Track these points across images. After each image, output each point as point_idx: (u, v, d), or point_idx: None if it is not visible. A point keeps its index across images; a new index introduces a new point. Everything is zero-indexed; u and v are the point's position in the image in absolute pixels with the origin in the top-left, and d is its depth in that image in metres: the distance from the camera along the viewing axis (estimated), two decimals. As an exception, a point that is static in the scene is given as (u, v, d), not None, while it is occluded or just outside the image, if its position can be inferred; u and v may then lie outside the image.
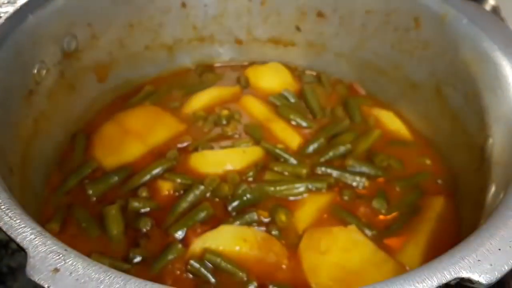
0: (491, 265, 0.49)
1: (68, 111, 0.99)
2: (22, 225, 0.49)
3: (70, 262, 0.44)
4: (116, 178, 0.90)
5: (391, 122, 1.07)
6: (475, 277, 0.48)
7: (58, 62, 0.92)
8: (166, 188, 0.89)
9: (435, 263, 0.49)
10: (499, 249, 0.50)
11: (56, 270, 0.43)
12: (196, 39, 1.20)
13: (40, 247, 0.46)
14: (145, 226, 0.83)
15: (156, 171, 0.92)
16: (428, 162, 0.99)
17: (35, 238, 0.47)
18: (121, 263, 0.77)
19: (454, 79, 0.94)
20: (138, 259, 0.78)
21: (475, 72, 0.87)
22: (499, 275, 0.48)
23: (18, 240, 0.48)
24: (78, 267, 0.44)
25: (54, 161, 0.95)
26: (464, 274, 0.48)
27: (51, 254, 0.45)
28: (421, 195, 0.91)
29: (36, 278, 0.43)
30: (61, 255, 0.45)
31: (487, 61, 0.83)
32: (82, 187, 0.89)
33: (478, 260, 0.49)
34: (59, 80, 0.94)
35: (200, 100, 1.10)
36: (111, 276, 0.43)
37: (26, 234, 0.48)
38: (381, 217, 0.87)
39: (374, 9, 1.06)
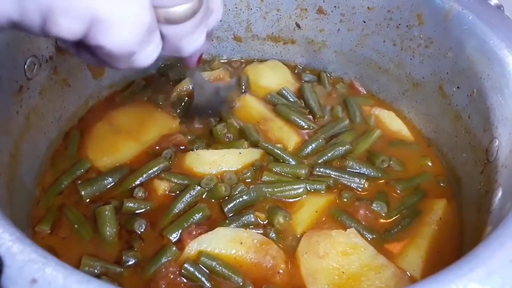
0: (502, 279, 0.45)
1: (62, 108, 0.97)
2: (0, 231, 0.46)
3: (49, 272, 0.41)
4: (110, 180, 0.88)
5: (392, 122, 1.05)
6: None
7: (51, 57, 0.89)
8: (162, 188, 0.87)
9: (442, 275, 0.46)
10: (510, 261, 0.46)
11: (34, 281, 0.40)
12: (194, 35, 1.18)
13: (17, 255, 0.43)
14: (139, 227, 0.81)
15: (152, 170, 0.89)
16: (429, 163, 0.97)
17: (13, 245, 0.43)
18: (114, 266, 0.75)
19: (458, 77, 0.91)
20: (131, 262, 0.76)
21: (480, 70, 0.84)
22: (510, 291, 0.45)
23: (-7, 247, 0.44)
24: (58, 277, 0.41)
25: (47, 159, 0.92)
26: (473, 288, 0.44)
27: (29, 263, 0.42)
28: (422, 197, 0.89)
29: (12, 290, 0.40)
30: (40, 264, 0.42)
31: (493, 59, 0.81)
32: (75, 187, 0.87)
33: (488, 273, 0.45)
34: (52, 75, 0.91)
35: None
36: (93, 287, 0.40)
37: (4, 240, 0.44)
38: (382, 220, 0.85)
39: (376, 5, 1.03)
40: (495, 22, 0.83)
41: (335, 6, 1.09)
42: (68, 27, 0.47)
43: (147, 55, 0.54)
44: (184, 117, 1.02)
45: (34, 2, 0.44)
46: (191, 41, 0.58)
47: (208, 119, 1.02)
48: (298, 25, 1.15)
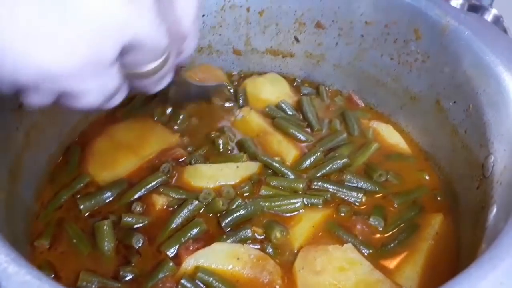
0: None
1: (62, 123, 0.98)
2: (-4, 252, 0.47)
3: (44, 294, 0.42)
4: (109, 194, 0.88)
5: (390, 135, 1.06)
6: None
7: (51, 74, 0.90)
8: (160, 202, 0.87)
9: (432, 298, 0.47)
10: (501, 283, 0.47)
11: (29, 303, 0.41)
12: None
13: (13, 277, 0.43)
14: (137, 242, 0.81)
15: (151, 185, 0.89)
16: (427, 177, 0.97)
17: (9, 266, 0.44)
18: (111, 281, 0.76)
19: (455, 92, 0.92)
20: (128, 277, 0.77)
21: (476, 86, 0.85)
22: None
23: (-10, 269, 0.45)
24: (52, 299, 0.42)
25: (46, 174, 0.93)
26: (462, 313, 0.44)
27: (24, 285, 0.43)
28: (419, 211, 0.89)
29: (8, 311, 0.41)
30: (35, 286, 0.42)
31: (489, 75, 0.81)
32: (75, 202, 0.87)
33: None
34: (53, 91, 0.92)
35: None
36: (85, 310, 0.41)
37: (0, 261, 0.45)
38: (378, 235, 0.85)
39: (374, 20, 1.04)
40: (491, 39, 0.84)
41: (333, 21, 1.10)
42: (39, 100, 0.52)
43: (114, 103, 0.60)
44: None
45: (8, 84, 0.48)
46: (158, 85, 0.62)
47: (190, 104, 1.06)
48: (296, 39, 1.16)
